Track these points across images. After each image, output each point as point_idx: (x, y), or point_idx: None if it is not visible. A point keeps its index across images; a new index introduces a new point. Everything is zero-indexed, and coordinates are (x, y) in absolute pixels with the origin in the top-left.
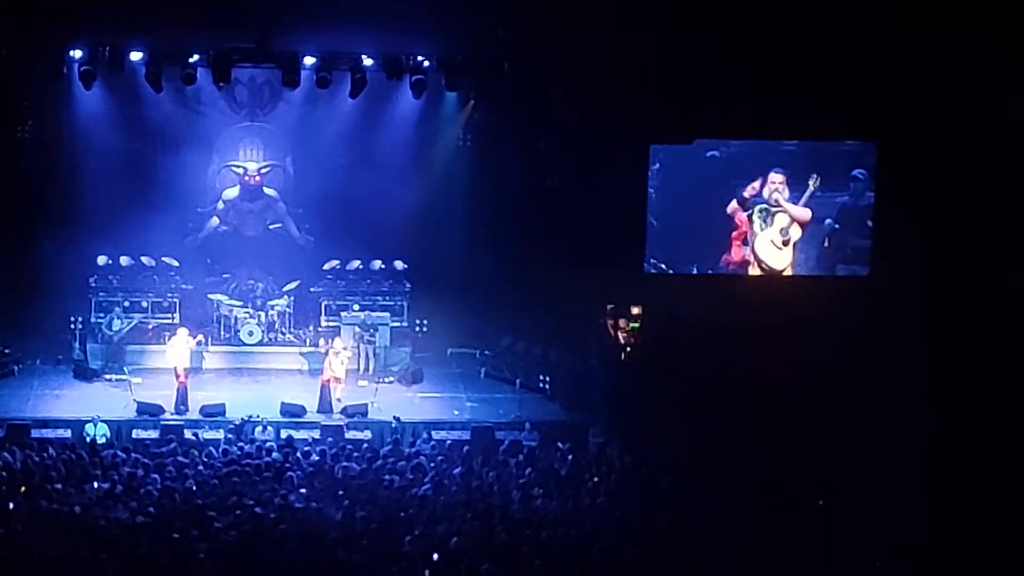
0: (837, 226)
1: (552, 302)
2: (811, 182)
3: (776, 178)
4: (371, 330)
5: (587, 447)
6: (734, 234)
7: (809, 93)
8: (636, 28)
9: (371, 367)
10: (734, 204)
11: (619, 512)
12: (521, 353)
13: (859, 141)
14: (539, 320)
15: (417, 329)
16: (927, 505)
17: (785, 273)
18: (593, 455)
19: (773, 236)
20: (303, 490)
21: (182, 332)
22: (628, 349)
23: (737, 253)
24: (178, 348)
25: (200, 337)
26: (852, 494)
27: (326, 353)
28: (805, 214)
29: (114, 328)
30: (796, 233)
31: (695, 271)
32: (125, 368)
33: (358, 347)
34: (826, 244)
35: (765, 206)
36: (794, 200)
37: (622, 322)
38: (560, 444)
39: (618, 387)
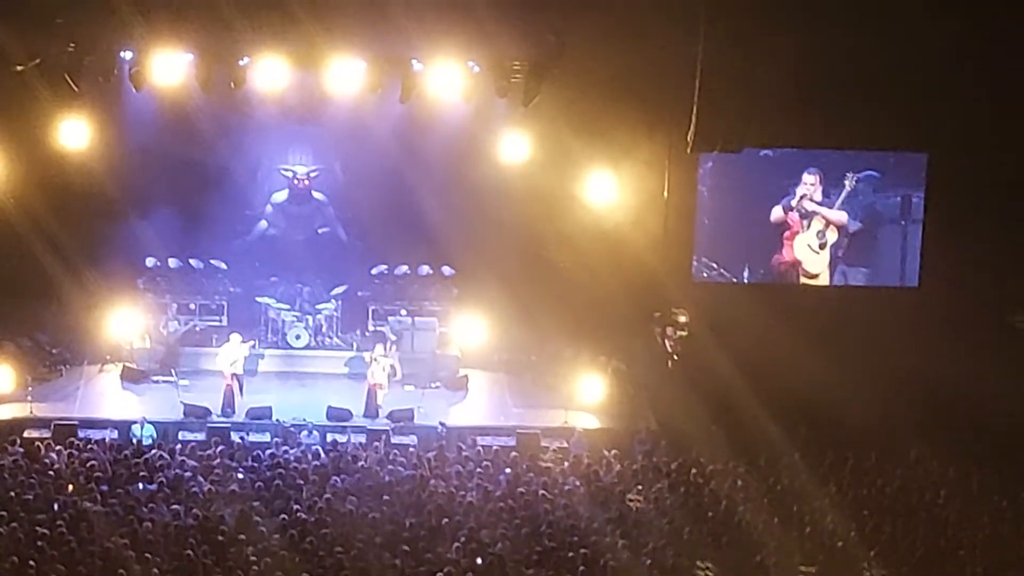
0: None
1: (600, 308)
2: (847, 182)
3: (809, 179)
4: (395, 337)
5: (633, 454)
6: (786, 234)
7: (859, 103)
8: (684, 36)
9: (397, 374)
10: (778, 211)
11: (666, 519)
12: (568, 359)
13: (911, 151)
14: (587, 326)
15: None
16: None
17: (821, 276)
18: (639, 462)
19: (810, 239)
20: (348, 495)
21: (235, 338)
22: (675, 356)
23: (789, 253)
24: (231, 353)
25: (253, 342)
26: (900, 496)
27: (369, 360)
28: (840, 217)
29: (171, 329)
30: (832, 236)
31: (747, 271)
32: (173, 370)
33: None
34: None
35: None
36: (831, 203)
37: (669, 329)
38: (606, 451)
39: (664, 394)
